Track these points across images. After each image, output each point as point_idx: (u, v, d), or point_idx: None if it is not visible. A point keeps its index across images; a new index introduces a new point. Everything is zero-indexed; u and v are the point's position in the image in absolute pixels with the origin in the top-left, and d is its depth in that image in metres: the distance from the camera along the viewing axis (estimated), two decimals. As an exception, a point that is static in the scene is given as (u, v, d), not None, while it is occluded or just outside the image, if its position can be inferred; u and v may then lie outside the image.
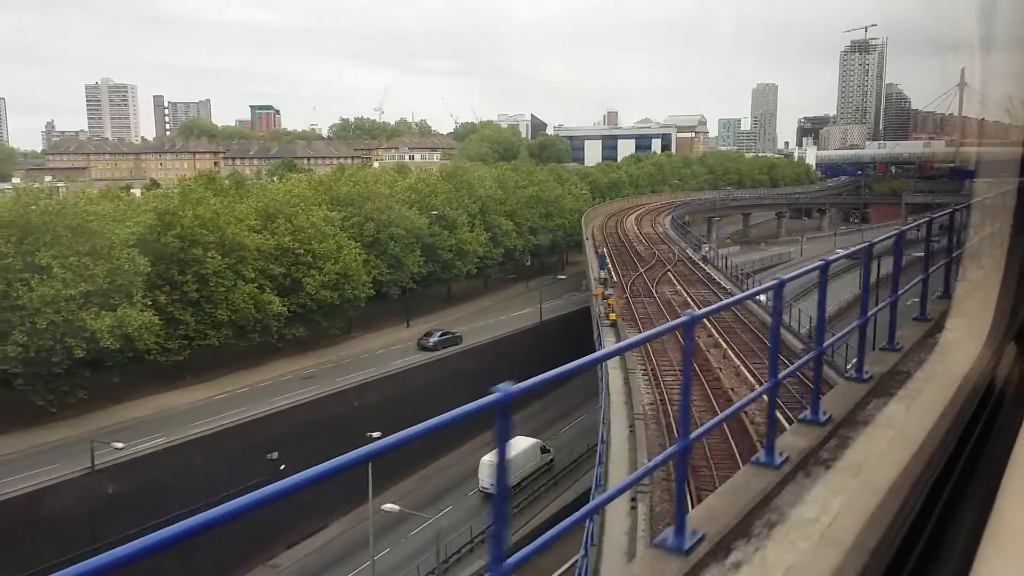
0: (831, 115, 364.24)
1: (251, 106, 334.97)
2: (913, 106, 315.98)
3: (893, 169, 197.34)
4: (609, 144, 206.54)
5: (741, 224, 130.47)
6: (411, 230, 61.79)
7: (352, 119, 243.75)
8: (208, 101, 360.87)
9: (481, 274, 74.13)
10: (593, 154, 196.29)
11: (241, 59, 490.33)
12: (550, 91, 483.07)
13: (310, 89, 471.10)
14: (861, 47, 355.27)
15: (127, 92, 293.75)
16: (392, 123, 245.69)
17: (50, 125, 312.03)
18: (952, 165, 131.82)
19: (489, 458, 41.67)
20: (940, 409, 4.12)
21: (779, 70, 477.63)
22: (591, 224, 79.93)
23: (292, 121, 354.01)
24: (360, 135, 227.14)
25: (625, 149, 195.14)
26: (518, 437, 43.21)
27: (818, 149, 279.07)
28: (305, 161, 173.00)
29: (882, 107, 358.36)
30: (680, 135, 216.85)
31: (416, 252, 62.50)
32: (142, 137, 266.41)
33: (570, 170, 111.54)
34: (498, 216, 74.19)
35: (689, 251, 62.41)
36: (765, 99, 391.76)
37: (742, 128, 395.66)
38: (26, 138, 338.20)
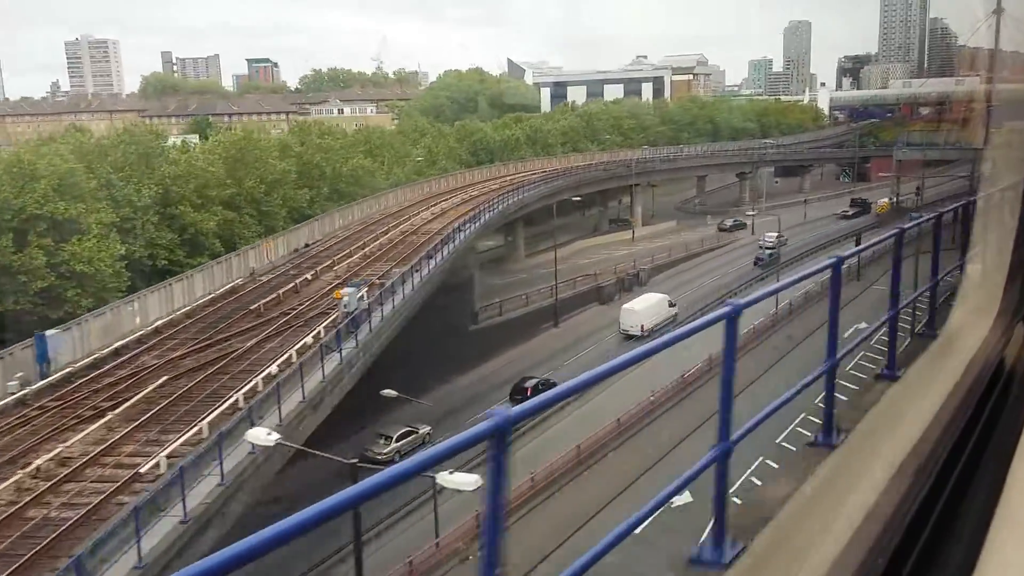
0: (873, 54, 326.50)
1: (247, 59, 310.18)
2: (959, 42, 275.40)
3: (924, 111, 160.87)
4: (595, 90, 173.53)
5: (695, 190, 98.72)
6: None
7: (324, 70, 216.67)
8: (217, 56, 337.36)
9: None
10: (577, 101, 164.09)
11: (258, 15, 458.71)
12: (583, 38, 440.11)
13: (329, 42, 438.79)
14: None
15: (107, 47, 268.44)
16: (369, 73, 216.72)
17: (55, 85, 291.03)
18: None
19: (629, 305, 50.68)
20: (948, 391, 3.88)
21: (819, 7, 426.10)
22: (364, 219, 50.51)
23: (293, 75, 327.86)
24: (333, 86, 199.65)
25: (613, 94, 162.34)
26: (649, 294, 52.18)
27: (858, 89, 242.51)
28: (226, 118, 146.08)
29: (926, 43, 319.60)
30: (676, 78, 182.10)
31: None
32: (123, 94, 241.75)
33: (446, 130, 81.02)
34: (190, 207, 45.20)
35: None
36: (798, 38, 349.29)
37: (773, 69, 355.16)
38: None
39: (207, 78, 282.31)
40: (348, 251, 39.08)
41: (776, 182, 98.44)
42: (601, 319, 58.83)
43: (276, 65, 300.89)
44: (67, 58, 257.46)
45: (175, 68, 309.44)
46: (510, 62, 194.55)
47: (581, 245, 75.65)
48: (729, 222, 79.22)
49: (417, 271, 35.10)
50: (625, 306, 50.41)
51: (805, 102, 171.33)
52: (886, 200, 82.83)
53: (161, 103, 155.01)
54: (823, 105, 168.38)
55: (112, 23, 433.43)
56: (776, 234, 71.58)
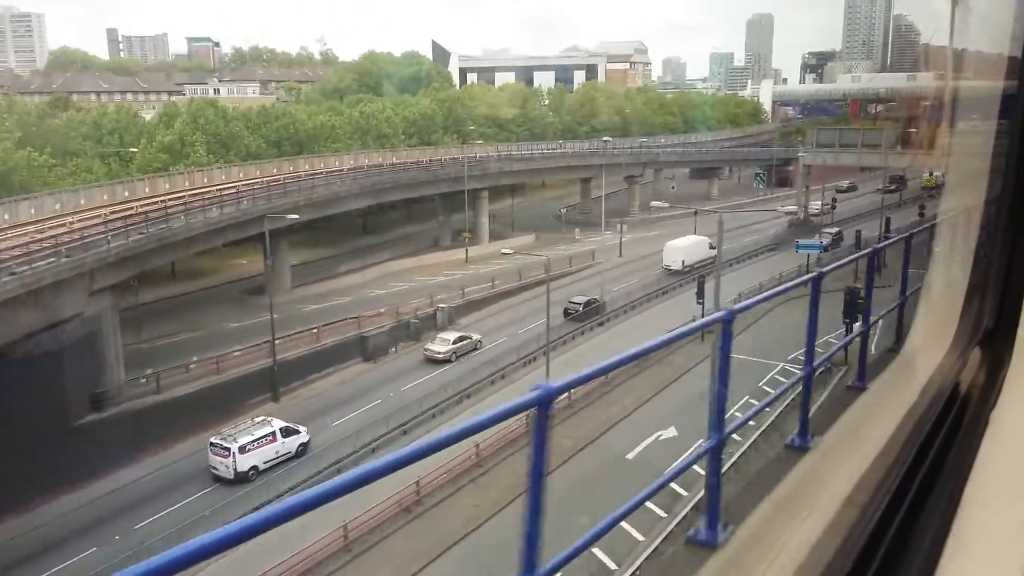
0: (837, 50, 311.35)
1: (187, 38, 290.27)
2: (923, 40, 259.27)
3: (876, 108, 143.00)
4: (525, 76, 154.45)
5: (579, 196, 79.88)
6: None
7: (247, 48, 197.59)
8: (165, 35, 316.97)
9: None
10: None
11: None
12: (552, 24, 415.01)
13: (292, 22, 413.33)
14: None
15: (31, 21, 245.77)
16: (293, 54, 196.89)
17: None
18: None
19: (671, 243, 53.74)
20: (904, 414, 3.85)
21: (786, 2, 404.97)
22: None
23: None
24: (254, 65, 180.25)
25: (544, 81, 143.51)
26: (691, 235, 55.54)
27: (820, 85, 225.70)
28: (93, 96, 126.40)
29: (889, 41, 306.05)
30: (612, 65, 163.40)
31: None
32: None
33: (232, 113, 61.27)
34: None
35: None
36: (760, 31, 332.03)
37: (734, 64, 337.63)
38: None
39: (154, 57, 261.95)
40: None
41: (673, 187, 79.70)
42: (357, 385, 40.20)
43: (217, 44, 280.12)
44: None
45: (121, 46, 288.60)
46: (435, 44, 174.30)
47: (394, 267, 56.76)
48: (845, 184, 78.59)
49: None
50: (668, 243, 53.20)
51: (747, 96, 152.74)
52: (928, 175, 75.87)
53: (29, 80, 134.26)
54: (765, 99, 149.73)
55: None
56: (821, 202, 70.81)
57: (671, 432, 29.27)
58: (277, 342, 40.49)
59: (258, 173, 51.20)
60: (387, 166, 56.23)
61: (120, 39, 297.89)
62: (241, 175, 50.08)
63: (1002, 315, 4.00)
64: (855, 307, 35.93)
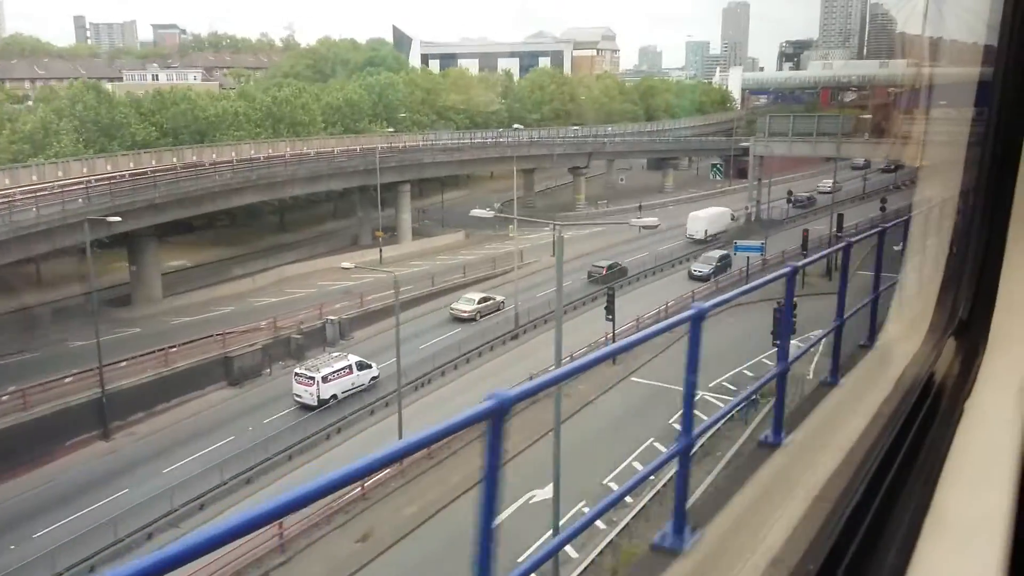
0: (814, 39, 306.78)
1: (153, 25, 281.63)
2: (899, 29, 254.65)
3: (845, 96, 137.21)
4: (488, 63, 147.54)
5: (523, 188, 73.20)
6: None
7: (205, 34, 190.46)
8: (134, 22, 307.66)
9: None
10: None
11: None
12: (537, 14, 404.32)
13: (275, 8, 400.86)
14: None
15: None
16: (253, 40, 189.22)
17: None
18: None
19: (695, 213, 53.64)
20: (880, 403, 3.84)
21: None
22: None
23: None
24: (213, 52, 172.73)
25: (508, 68, 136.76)
26: (714, 207, 55.38)
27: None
28: (27, 83, 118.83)
29: (866, 29, 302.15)
30: (578, 52, 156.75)
31: None
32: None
33: (122, 99, 54.23)
34: None
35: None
36: (736, 20, 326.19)
37: (711, 52, 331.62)
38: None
39: (122, 44, 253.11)
40: None
41: (622, 180, 73.42)
42: (214, 416, 33.72)
43: (184, 32, 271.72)
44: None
45: (88, 34, 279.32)
46: (395, 30, 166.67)
47: (295, 270, 50.14)
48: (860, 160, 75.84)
49: None
50: (692, 214, 52.65)
51: (715, 83, 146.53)
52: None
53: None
54: (734, 86, 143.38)
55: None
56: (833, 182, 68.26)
57: (547, 493, 22.99)
58: (122, 365, 34.10)
59: (131, 165, 44.33)
60: (288, 157, 49.45)
61: (88, 26, 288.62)
62: (109, 167, 43.20)
63: (977, 305, 3.92)
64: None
